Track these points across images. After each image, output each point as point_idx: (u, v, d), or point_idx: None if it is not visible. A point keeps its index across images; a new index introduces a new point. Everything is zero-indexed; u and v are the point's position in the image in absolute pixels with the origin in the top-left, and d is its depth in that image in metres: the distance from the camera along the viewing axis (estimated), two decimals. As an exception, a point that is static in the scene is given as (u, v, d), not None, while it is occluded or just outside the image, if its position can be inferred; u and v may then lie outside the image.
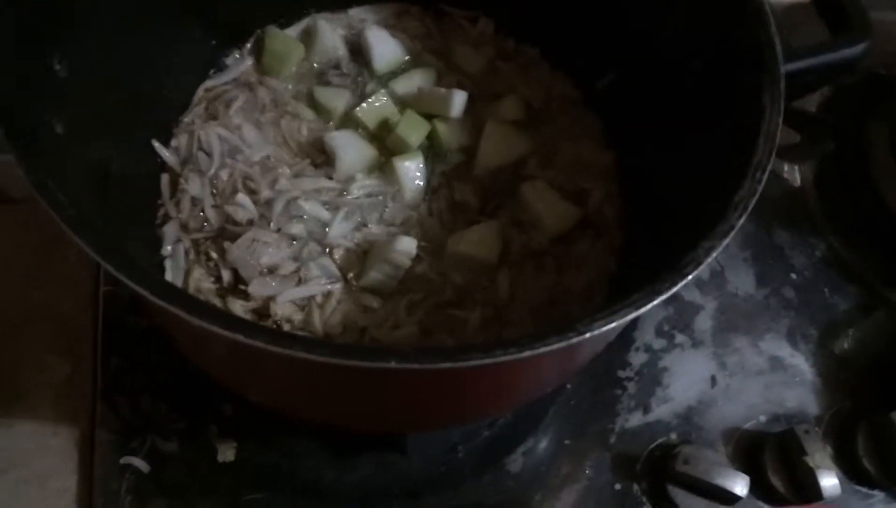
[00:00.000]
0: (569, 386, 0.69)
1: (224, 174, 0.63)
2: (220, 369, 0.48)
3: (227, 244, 0.58)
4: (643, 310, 0.37)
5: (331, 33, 0.70)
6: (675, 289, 0.38)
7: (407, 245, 0.57)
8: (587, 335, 0.35)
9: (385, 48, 0.70)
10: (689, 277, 0.39)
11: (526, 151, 0.65)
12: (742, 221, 0.41)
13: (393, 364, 0.33)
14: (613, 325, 0.36)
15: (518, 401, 0.57)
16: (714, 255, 0.39)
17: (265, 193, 0.62)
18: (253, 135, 0.65)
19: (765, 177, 0.42)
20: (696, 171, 0.51)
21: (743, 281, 0.77)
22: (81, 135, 0.48)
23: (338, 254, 0.60)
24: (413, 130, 0.64)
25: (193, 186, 0.63)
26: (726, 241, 0.40)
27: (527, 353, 0.34)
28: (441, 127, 0.65)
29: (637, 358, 0.72)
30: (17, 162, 0.37)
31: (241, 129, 0.65)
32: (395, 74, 0.70)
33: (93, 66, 0.50)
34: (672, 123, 0.56)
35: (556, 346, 0.35)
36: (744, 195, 0.41)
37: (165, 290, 0.34)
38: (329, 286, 0.58)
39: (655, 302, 0.37)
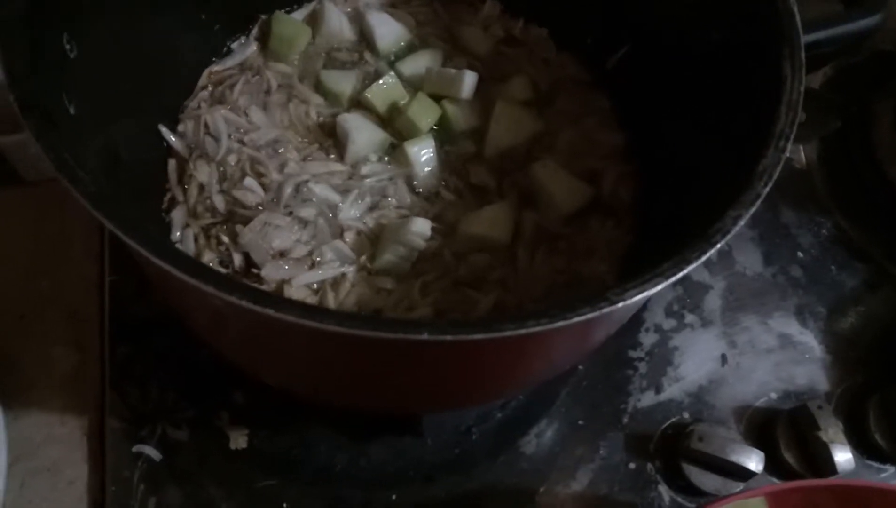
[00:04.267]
0: (581, 368, 0.69)
1: (232, 159, 0.62)
2: (238, 349, 0.48)
3: (239, 228, 0.58)
4: (672, 280, 0.37)
5: (337, 16, 0.70)
6: (704, 258, 0.38)
7: (421, 226, 0.56)
8: (619, 304, 0.35)
9: (387, 29, 0.69)
10: (717, 246, 0.38)
11: (536, 132, 0.65)
12: (768, 189, 0.41)
13: (425, 336, 0.33)
14: (645, 295, 0.35)
15: (538, 378, 0.57)
16: (741, 223, 0.39)
17: (274, 176, 0.61)
18: (260, 117, 0.65)
19: (789, 145, 0.42)
20: (714, 145, 0.51)
21: (751, 260, 0.77)
22: (92, 117, 0.47)
23: (349, 237, 0.60)
24: (424, 113, 0.64)
25: (201, 171, 0.62)
26: (753, 209, 0.40)
27: (559, 323, 0.34)
28: (450, 108, 0.65)
29: (647, 339, 0.72)
30: (36, 139, 0.36)
31: (247, 112, 0.64)
32: (400, 56, 0.70)
33: (102, 48, 0.50)
34: (688, 98, 0.56)
35: (587, 316, 0.35)
36: (768, 164, 0.41)
37: (192, 265, 0.34)
38: (342, 269, 0.58)
39: (686, 271, 0.37)
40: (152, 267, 0.35)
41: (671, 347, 0.72)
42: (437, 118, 0.65)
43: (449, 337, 0.33)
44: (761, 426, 0.68)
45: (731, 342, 0.73)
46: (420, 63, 0.68)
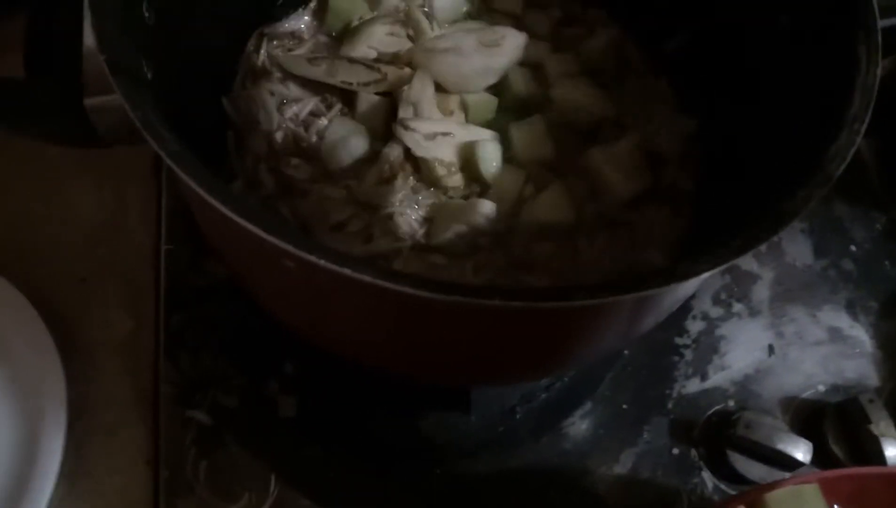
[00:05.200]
0: (626, 353, 0.69)
1: (279, 136, 0.63)
2: (298, 311, 0.48)
3: (297, 201, 0.58)
4: (744, 255, 0.36)
5: (396, -10, 0.70)
6: (774, 235, 0.37)
7: (488, 208, 0.57)
8: (694, 277, 0.35)
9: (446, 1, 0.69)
10: (788, 225, 0.38)
11: (600, 111, 0.64)
12: (840, 171, 0.40)
13: (497, 302, 0.33)
14: (720, 267, 0.35)
15: (593, 356, 0.57)
16: (811, 204, 0.39)
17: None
18: (299, 89, 0.65)
19: (863, 129, 0.41)
20: (779, 131, 0.50)
21: (801, 252, 0.77)
22: (164, 83, 0.48)
23: (404, 214, 0.60)
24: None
25: (255, 144, 0.63)
26: (824, 191, 0.40)
27: (634, 295, 0.34)
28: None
29: (694, 326, 0.72)
30: (124, 98, 0.37)
31: (287, 84, 0.65)
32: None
33: (174, 17, 0.51)
34: (752, 83, 0.55)
35: (660, 289, 0.35)
36: (841, 146, 0.41)
37: (271, 222, 0.34)
38: (397, 244, 0.58)
39: (757, 247, 0.36)
40: (228, 227, 0.36)
41: (718, 335, 0.71)
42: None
43: (520, 303, 0.33)
44: (808, 418, 0.67)
45: (779, 333, 0.72)
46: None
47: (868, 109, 0.42)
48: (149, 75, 0.45)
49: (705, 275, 0.36)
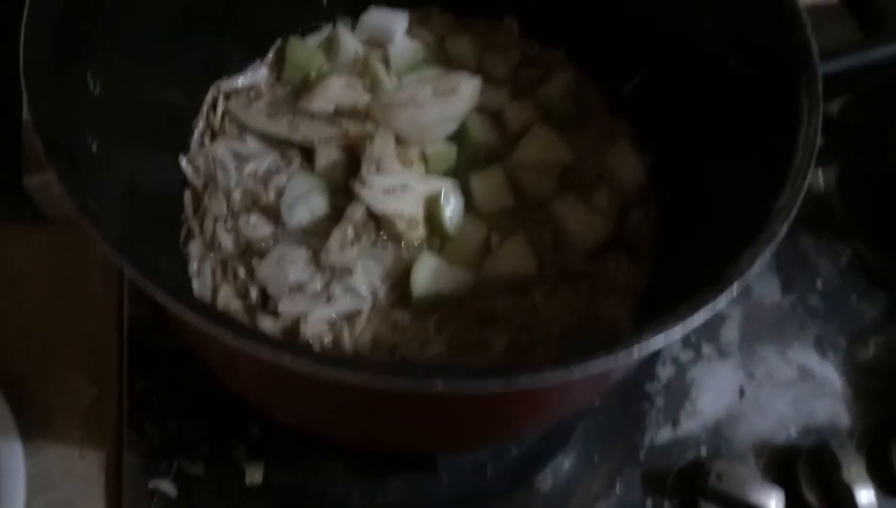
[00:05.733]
0: (597, 402, 0.69)
1: (237, 194, 0.63)
2: (251, 389, 0.48)
3: (255, 263, 0.58)
4: (693, 324, 0.36)
5: (352, 40, 0.70)
6: (721, 300, 0.37)
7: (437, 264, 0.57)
8: (635, 350, 0.35)
9: (402, 46, 0.70)
10: (734, 287, 0.38)
11: (560, 158, 0.64)
12: (785, 228, 0.40)
13: (440, 386, 0.33)
14: (662, 340, 0.35)
15: (554, 419, 0.56)
16: (758, 265, 0.39)
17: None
18: (258, 145, 0.65)
19: (806, 183, 0.42)
20: (732, 180, 0.50)
21: (768, 289, 0.76)
22: (113, 152, 0.48)
23: (366, 271, 0.60)
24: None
25: (214, 204, 0.63)
26: (770, 250, 0.40)
27: (577, 371, 0.34)
28: (473, 120, 0.65)
29: (664, 371, 0.71)
30: (59, 181, 0.37)
31: (246, 139, 0.65)
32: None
33: (124, 81, 0.50)
34: (705, 130, 0.55)
35: (603, 364, 0.35)
36: (785, 203, 0.41)
37: (207, 311, 0.34)
38: (357, 304, 0.58)
39: (703, 314, 0.36)
40: (170, 310, 0.36)
41: (688, 380, 0.71)
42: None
43: (464, 387, 0.33)
44: (782, 463, 0.66)
45: (750, 374, 0.72)
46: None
47: (811, 160, 0.43)
48: (94, 148, 0.45)
49: (652, 345, 0.36)
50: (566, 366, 0.34)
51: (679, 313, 0.36)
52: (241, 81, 0.68)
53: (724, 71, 0.54)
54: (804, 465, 0.64)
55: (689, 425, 0.68)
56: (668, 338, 0.36)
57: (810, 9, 0.69)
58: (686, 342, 0.73)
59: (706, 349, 0.73)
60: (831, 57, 0.50)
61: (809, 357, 0.73)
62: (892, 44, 0.51)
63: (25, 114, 0.45)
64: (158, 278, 0.35)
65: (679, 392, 0.70)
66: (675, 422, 0.68)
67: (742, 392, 0.71)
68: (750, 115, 0.51)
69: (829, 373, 0.72)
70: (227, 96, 0.67)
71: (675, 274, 0.53)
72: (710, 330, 0.74)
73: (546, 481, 0.65)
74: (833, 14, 0.56)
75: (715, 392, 0.70)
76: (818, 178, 0.82)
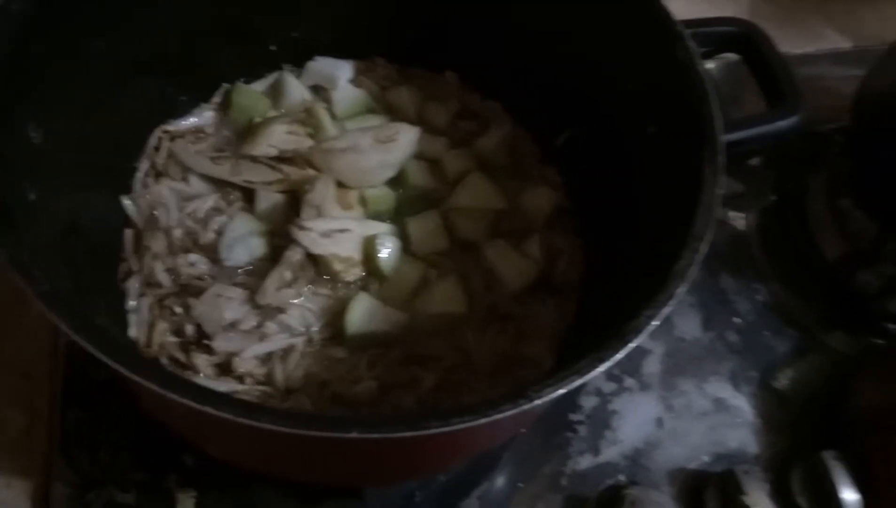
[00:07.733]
0: (522, 430, 0.72)
1: (178, 232, 0.64)
2: (184, 429, 0.49)
3: (191, 300, 0.59)
4: (588, 377, 0.40)
5: (297, 87, 0.72)
6: (617, 358, 0.41)
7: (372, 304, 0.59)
8: (537, 401, 0.38)
9: (346, 94, 0.73)
10: (631, 345, 0.42)
11: (493, 205, 0.68)
12: (682, 290, 0.44)
13: (354, 434, 0.35)
14: (561, 391, 0.38)
15: (474, 454, 0.59)
16: (654, 324, 0.43)
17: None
18: (201, 184, 0.67)
19: (704, 247, 0.45)
20: (644, 236, 0.54)
21: (690, 325, 0.81)
22: (52, 198, 0.49)
23: (300, 308, 0.62)
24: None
25: (154, 242, 0.64)
26: (666, 310, 0.43)
27: (482, 420, 0.37)
28: (410, 165, 0.68)
29: (588, 402, 0.75)
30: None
31: (189, 180, 0.67)
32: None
33: (67, 129, 0.52)
34: (626, 187, 0.60)
35: (509, 413, 0.38)
36: (683, 266, 0.44)
37: (137, 364, 0.36)
38: (290, 341, 0.60)
39: (599, 370, 0.40)
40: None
41: (610, 410, 0.75)
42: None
43: (376, 435, 0.35)
44: (693, 490, 0.70)
45: (669, 406, 0.76)
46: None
47: (708, 226, 0.47)
48: (32, 196, 0.46)
49: (553, 396, 0.39)
50: (473, 415, 0.36)
51: (578, 367, 0.40)
52: (188, 122, 0.70)
53: (645, 136, 0.59)
54: (712, 490, 0.68)
55: (610, 453, 0.72)
56: (565, 390, 0.39)
57: (731, 79, 0.75)
58: (609, 374, 0.77)
59: (628, 381, 0.77)
60: (737, 127, 0.55)
61: (724, 390, 0.78)
62: (789, 117, 0.56)
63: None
64: (90, 333, 0.36)
65: (601, 422, 0.74)
66: (596, 450, 0.72)
67: (660, 423, 0.75)
68: (662, 179, 0.55)
69: (742, 405, 0.77)
70: (172, 138, 0.68)
71: (596, 320, 0.57)
72: (633, 363, 0.78)
73: (473, 507, 0.67)
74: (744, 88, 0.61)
75: (635, 423, 0.74)
76: (741, 219, 0.88)
